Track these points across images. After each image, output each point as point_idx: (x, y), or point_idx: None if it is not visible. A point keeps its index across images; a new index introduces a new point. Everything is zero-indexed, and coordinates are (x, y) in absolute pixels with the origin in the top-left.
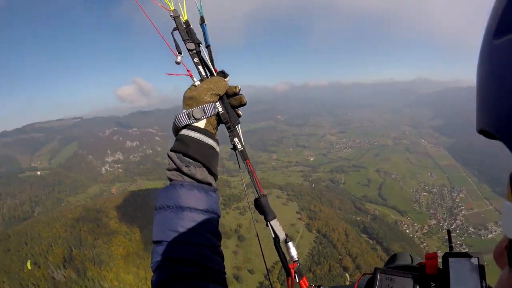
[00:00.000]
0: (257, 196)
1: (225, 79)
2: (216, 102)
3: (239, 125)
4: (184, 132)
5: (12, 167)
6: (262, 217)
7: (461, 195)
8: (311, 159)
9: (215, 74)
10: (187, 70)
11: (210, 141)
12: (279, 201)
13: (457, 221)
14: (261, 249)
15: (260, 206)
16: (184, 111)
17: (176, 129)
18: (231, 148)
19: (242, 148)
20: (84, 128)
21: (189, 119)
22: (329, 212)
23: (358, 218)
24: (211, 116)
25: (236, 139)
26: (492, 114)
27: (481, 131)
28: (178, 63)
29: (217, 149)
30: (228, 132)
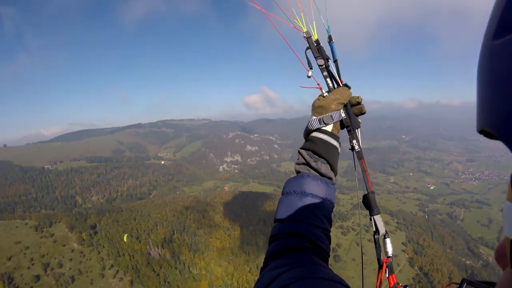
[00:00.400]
0: (366, 193)
1: (349, 90)
2: (341, 109)
3: (358, 129)
4: (314, 134)
5: (141, 154)
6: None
7: None
8: (431, 188)
9: (341, 86)
10: (317, 84)
11: (335, 142)
12: (387, 228)
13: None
14: (362, 271)
15: (367, 201)
16: (315, 117)
17: (308, 132)
18: (350, 149)
19: (359, 149)
20: (211, 129)
21: (319, 123)
22: (438, 249)
23: (468, 262)
24: (337, 122)
25: (354, 141)
26: (492, 114)
27: (481, 131)
28: (309, 77)
29: (339, 149)
30: (349, 135)
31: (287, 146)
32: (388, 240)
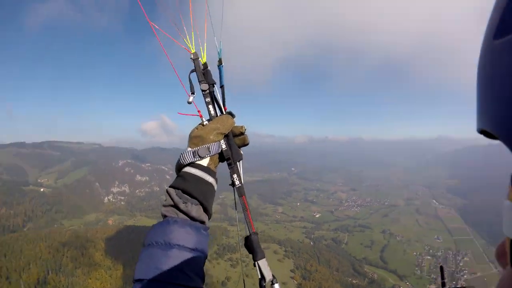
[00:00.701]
0: (248, 234)
1: (232, 119)
2: (221, 140)
3: (240, 162)
4: (187, 169)
5: (19, 178)
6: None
7: (466, 258)
8: (317, 216)
9: (224, 113)
10: (198, 111)
11: (210, 179)
12: (276, 257)
13: (457, 286)
14: None
15: (250, 244)
16: (190, 149)
17: (179, 167)
18: (230, 184)
19: (239, 185)
20: (100, 154)
21: (193, 157)
22: (325, 273)
23: (354, 281)
24: (214, 155)
25: (235, 176)
26: (492, 114)
27: (481, 131)
28: (189, 103)
29: (215, 187)
30: (229, 169)
31: None
32: (276, 286)
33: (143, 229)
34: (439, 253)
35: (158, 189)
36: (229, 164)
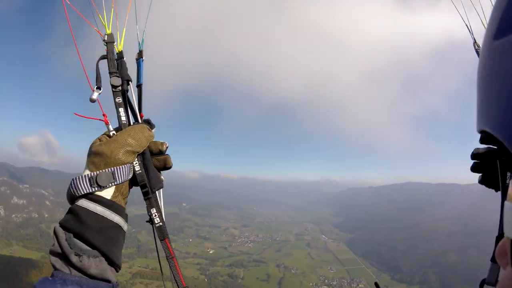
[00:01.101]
0: None
1: (150, 130)
2: (133, 162)
3: (160, 191)
4: (82, 203)
5: None
6: None
7: (360, 285)
8: (211, 252)
9: (140, 121)
10: (103, 114)
11: (116, 218)
12: None
13: None
14: None
15: None
16: (86, 173)
17: (72, 197)
18: (147, 221)
19: (160, 224)
20: None
21: (90, 186)
22: None
23: None
24: (122, 183)
25: (153, 210)
26: (492, 114)
27: (481, 132)
28: (93, 100)
29: (125, 227)
30: (145, 200)
31: (61, 205)
32: None
33: (20, 261)
34: (334, 282)
35: (37, 215)
36: (144, 194)
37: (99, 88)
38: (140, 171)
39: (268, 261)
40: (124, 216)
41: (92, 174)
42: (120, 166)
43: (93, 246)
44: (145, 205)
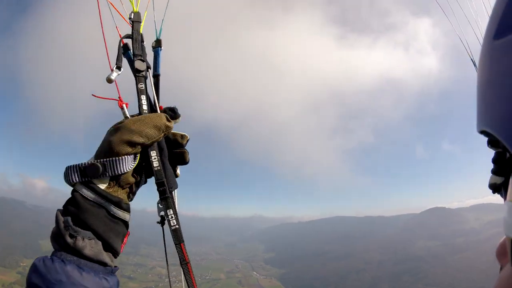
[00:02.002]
0: None
1: (171, 121)
2: (134, 153)
3: (175, 192)
4: (79, 188)
5: None
6: None
7: None
8: None
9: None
10: (119, 96)
11: (111, 208)
12: None
13: None
14: None
15: None
16: (83, 162)
17: (69, 183)
18: (158, 222)
19: (176, 226)
20: None
21: (81, 176)
22: None
23: None
24: (119, 175)
25: (171, 211)
26: (492, 115)
27: (481, 132)
28: (110, 81)
29: (126, 218)
30: (161, 199)
31: None
32: None
33: None
34: None
35: None
36: (161, 192)
37: (119, 68)
38: (158, 168)
39: None
40: (122, 206)
41: (82, 164)
42: (114, 158)
43: (87, 228)
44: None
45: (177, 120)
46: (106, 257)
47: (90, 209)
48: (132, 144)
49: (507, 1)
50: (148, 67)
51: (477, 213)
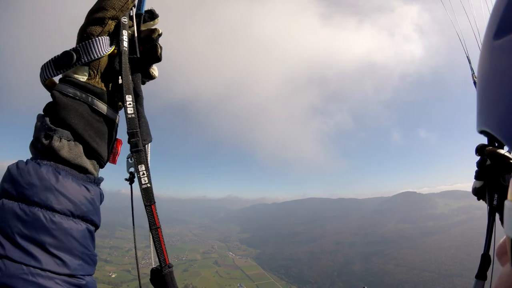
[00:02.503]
0: (157, 266)
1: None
2: (110, 32)
3: (149, 145)
4: (58, 86)
5: None
6: None
7: None
8: (113, 276)
9: (138, 56)
10: None
11: (94, 102)
12: None
13: None
14: None
15: (162, 283)
16: (56, 55)
17: (44, 84)
18: (126, 179)
19: (148, 185)
20: None
21: (55, 69)
22: None
23: None
24: (95, 60)
25: (142, 167)
26: (492, 114)
27: (481, 132)
28: None
29: (104, 111)
30: (131, 153)
31: None
32: None
33: None
34: None
35: None
36: (133, 146)
37: None
38: (132, 115)
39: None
40: (104, 98)
41: (55, 57)
42: (87, 41)
43: (66, 127)
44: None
45: (156, 21)
46: (87, 162)
47: (70, 104)
48: (100, 21)
49: (507, 1)
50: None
51: (446, 199)
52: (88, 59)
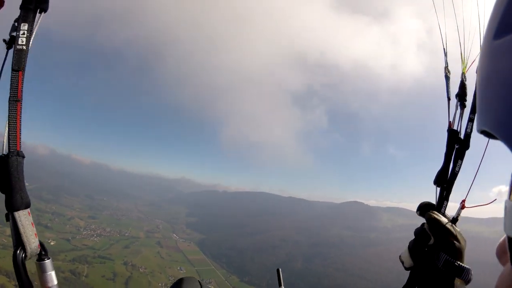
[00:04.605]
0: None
1: None
2: None
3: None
4: None
5: None
6: None
7: (210, 286)
8: (52, 243)
9: None
10: None
11: None
12: None
13: None
14: None
15: (4, 173)
16: None
17: None
18: (4, 40)
19: (23, 47)
20: None
21: None
22: None
23: None
24: None
25: (24, 27)
26: (492, 114)
27: (481, 132)
28: None
29: None
30: (21, 10)
31: None
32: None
33: None
34: None
35: None
36: (25, 2)
37: None
38: None
39: (115, 258)
40: None
41: None
42: None
43: None
44: None
45: None
46: None
47: None
48: None
49: (507, 1)
50: None
51: (391, 214)
52: None
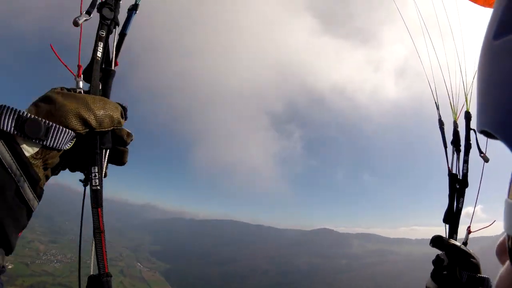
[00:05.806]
0: (95, 274)
1: (123, 119)
2: (78, 132)
3: (107, 152)
4: None
5: None
6: None
7: None
8: (10, 267)
9: (113, 69)
10: (78, 65)
11: (26, 189)
12: None
13: None
14: None
15: None
16: (23, 111)
17: None
18: (81, 180)
19: (98, 187)
20: None
21: (13, 125)
22: None
23: None
24: (52, 149)
25: (95, 169)
26: (492, 114)
27: (482, 132)
28: (76, 24)
29: (34, 206)
30: (89, 155)
31: None
32: None
33: None
34: None
35: None
36: (91, 146)
37: (88, 13)
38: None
39: (74, 287)
40: (37, 189)
41: (24, 114)
42: (62, 127)
43: None
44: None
45: (123, 121)
46: None
47: None
48: (85, 122)
49: (506, 1)
50: (115, 22)
51: (361, 240)
52: (51, 145)
